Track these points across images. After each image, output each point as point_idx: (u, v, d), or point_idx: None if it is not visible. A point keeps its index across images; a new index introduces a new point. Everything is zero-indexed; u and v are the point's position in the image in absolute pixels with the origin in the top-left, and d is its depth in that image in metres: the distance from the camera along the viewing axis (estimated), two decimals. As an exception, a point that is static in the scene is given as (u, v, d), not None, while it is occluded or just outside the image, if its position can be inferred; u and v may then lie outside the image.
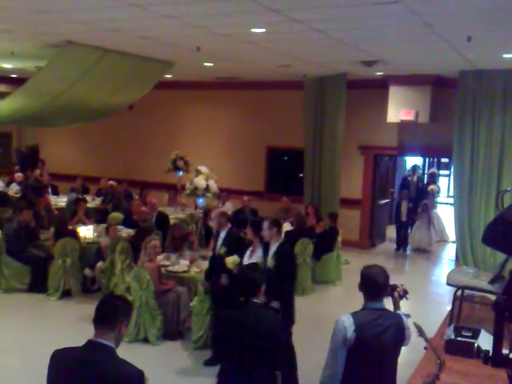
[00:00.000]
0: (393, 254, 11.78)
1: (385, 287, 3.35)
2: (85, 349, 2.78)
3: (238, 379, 3.57)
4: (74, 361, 2.76)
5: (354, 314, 3.29)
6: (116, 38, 7.14)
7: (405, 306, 4.36)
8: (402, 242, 11.93)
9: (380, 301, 3.34)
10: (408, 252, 11.94)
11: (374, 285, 3.31)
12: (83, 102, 9.05)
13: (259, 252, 5.62)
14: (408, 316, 3.50)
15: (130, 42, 7.32)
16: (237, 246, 6.43)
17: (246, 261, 5.64)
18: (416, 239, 11.88)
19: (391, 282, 3.53)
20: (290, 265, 5.53)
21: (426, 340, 3.33)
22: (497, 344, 2.59)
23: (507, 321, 2.83)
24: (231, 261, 5.98)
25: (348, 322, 3.23)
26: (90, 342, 2.79)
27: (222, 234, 7.12)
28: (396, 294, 3.57)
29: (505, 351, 2.87)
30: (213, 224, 8.27)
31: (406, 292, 3.61)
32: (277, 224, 5.60)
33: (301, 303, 8.36)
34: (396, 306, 3.59)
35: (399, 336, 3.33)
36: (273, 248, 5.49)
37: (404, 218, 11.80)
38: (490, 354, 2.68)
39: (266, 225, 5.51)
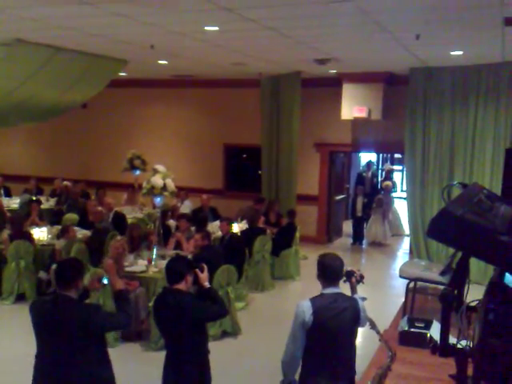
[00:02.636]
0: (349, 248, 12.00)
1: (340, 272, 3.60)
2: (53, 299, 3.62)
3: (169, 353, 3.92)
4: (45, 308, 3.59)
5: (313, 299, 3.53)
6: (67, 36, 6.99)
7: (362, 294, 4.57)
8: (358, 236, 12.18)
9: (336, 286, 3.58)
10: (364, 246, 12.20)
11: (331, 271, 3.56)
12: (35, 101, 8.84)
13: None
14: (364, 299, 3.76)
15: (82, 39, 7.20)
16: None
17: None
18: (372, 233, 12.16)
19: (348, 268, 3.79)
20: None
21: (378, 333, 3.44)
22: (444, 334, 2.69)
23: (455, 311, 2.94)
24: None
25: (306, 307, 3.47)
26: (56, 294, 3.63)
27: None
28: (353, 279, 3.80)
29: (453, 340, 2.98)
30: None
31: (362, 277, 3.84)
32: None
33: (261, 299, 8.47)
34: (353, 290, 3.82)
35: (355, 317, 3.55)
36: None
37: (360, 214, 12.06)
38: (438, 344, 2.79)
39: None
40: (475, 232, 2.40)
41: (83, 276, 3.77)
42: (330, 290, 3.56)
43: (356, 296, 3.74)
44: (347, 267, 3.81)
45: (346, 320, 3.50)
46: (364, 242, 12.25)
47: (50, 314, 3.55)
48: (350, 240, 12.31)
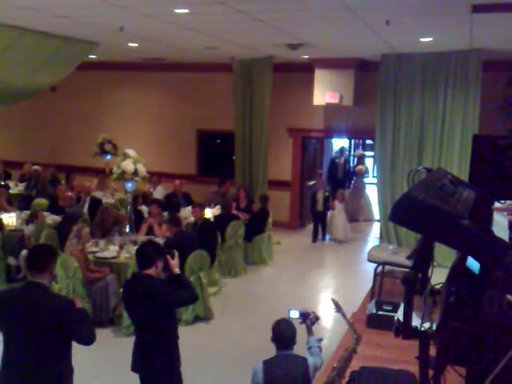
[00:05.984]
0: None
1: (291, 340, 3.73)
2: (24, 287, 3.52)
3: (138, 338, 3.97)
4: (16, 298, 3.45)
5: (266, 361, 3.71)
6: (33, 17, 6.82)
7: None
8: (318, 232, 11.29)
9: (288, 349, 3.73)
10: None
11: (283, 338, 3.72)
12: (1, 84, 8.64)
13: None
14: (320, 340, 3.90)
15: (49, 21, 7.03)
16: None
17: None
18: (333, 231, 11.34)
19: (304, 311, 3.89)
20: None
21: (343, 316, 3.50)
22: (406, 317, 2.73)
23: (419, 294, 2.99)
24: None
25: (259, 368, 3.66)
26: (28, 282, 3.49)
27: None
28: (308, 322, 3.89)
29: (417, 322, 3.03)
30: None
31: (317, 318, 3.93)
32: None
33: (233, 284, 8.51)
34: (309, 331, 3.92)
35: (303, 376, 3.67)
36: None
37: (321, 208, 11.18)
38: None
39: None
40: (436, 216, 2.42)
41: (56, 262, 3.71)
42: (283, 353, 3.72)
43: (312, 338, 3.82)
44: (305, 308, 3.92)
45: (295, 378, 3.62)
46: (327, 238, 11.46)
47: (20, 303, 3.39)
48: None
